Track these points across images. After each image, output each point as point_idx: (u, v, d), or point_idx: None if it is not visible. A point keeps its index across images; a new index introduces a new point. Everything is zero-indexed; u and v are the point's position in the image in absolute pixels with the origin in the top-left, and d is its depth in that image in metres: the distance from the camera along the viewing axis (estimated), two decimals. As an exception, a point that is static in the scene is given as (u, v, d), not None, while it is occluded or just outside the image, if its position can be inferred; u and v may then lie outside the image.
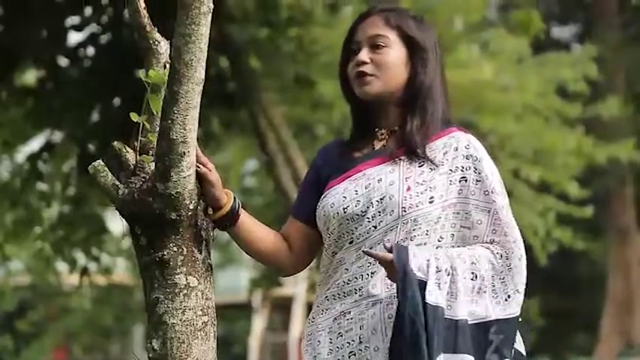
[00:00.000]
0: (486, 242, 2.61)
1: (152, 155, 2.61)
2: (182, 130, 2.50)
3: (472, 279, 2.55)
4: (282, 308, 20.37)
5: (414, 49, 2.71)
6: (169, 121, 2.50)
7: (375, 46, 2.70)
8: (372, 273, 2.62)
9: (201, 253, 2.63)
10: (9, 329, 19.13)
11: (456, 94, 11.62)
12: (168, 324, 2.57)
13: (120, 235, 11.72)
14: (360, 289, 2.63)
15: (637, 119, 16.53)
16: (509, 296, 2.57)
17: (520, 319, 2.62)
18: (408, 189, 2.61)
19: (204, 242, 2.65)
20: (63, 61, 8.32)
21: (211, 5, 2.49)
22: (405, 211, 2.59)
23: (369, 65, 2.69)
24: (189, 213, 2.58)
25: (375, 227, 2.62)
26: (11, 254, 11.94)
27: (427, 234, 2.60)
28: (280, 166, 8.67)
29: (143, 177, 2.61)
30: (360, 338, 2.60)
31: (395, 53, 2.70)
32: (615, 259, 18.00)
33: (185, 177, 2.54)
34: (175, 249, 2.58)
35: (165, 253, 2.58)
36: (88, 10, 7.98)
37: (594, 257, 19.44)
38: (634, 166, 15.86)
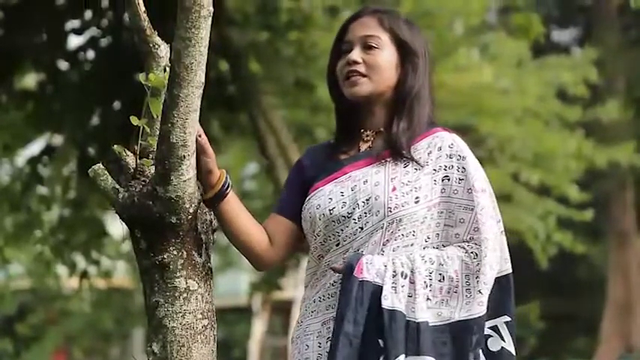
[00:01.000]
0: (465, 240, 2.59)
1: (152, 159, 2.62)
2: (182, 134, 2.50)
3: (440, 280, 2.55)
4: (282, 312, 20.36)
5: (405, 52, 2.72)
6: (169, 125, 2.50)
7: (367, 47, 2.70)
8: None
9: (201, 257, 2.63)
10: (9, 332, 19.11)
11: (456, 97, 11.64)
12: (168, 327, 2.57)
13: (120, 239, 11.72)
14: None
15: (637, 122, 16.52)
16: (474, 297, 2.55)
17: (510, 320, 2.60)
18: (394, 189, 2.61)
19: (204, 246, 2.65)
20: (63, 65, 8.32)
21: (211, 9, 2.49)
22: (390, 211, 2.59)
23: (361, 65, 2.69)
24: (189, 216, 2.58)
25: (362, 228, 2.62)
26: (11, 257, 11.93)
27: (414, 234, 2.60)
28: (280, 170, 8.67)
29: (143, 180, 2.61)
30: None
31: (386, 55, 2.71)
32: (615, 263, 17.98)
33: (185, 180, 2.54)
34: (175, 252, 2.59)
35: (165, 256, 2.58)
36: (88, 14, 7.98)
37: (594, 260, 19.44)
38: (634, 170, 15.85)
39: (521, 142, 12.37)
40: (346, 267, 2.58)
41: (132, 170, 2.63)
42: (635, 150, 13.67)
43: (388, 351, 2.47)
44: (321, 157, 2.79)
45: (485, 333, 2.59)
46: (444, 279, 2.55)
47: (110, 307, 17.06)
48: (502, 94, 12.16)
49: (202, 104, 2.54)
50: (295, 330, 2.73)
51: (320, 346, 2.64)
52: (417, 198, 2.61)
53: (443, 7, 10.11)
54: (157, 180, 2.55)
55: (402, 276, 2.54)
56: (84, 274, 9.29)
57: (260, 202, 13.86)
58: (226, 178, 2.64)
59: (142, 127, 2.63)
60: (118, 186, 2.62)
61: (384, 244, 2.60)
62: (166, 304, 2.57)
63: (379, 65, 2.69)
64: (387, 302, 2.51)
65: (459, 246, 2.59)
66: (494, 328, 2.60)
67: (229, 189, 2.65)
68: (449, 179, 2.63)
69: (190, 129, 2.51)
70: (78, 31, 8.02)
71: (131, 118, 2.62)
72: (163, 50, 2.66)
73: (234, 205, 2.68)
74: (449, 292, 2.54)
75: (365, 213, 2.62)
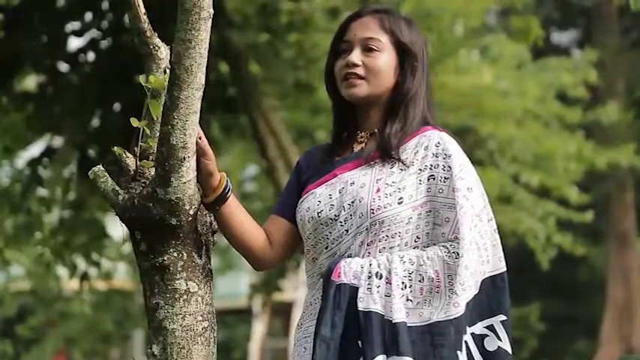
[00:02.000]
0: (450, 240, 2.57)
1: (152, 160, 2.62)
2: (182, 136, 2.51)
3: (420, 280, 2.54)
4: (282, 314, 20.34)
5: (404, 55, 2.71)
6: (169, 127, 2.50)
7: (367, 49, 2.69)
8: None
9: (201, 259, 2.63)
10: (9, 334, 19.11)
11: (457, 99, 11.66)
12: (169, 329, 2.57)
13: (120, 241, 11.70)
14: None
15: (637, 124, 16.52)
16: (450, 298, 2.53)
17: (506, 319, 2.59)
18: (378, 191, 2.61)
19: (204, 247, 2.65)
20: (63, 67, 8.32)
21: (211, 11, 2.49)
22: (373, 213, 2.59)
23: (360, 68, 2.68)
24: (190, 218, 2.58)
25: (347, 231, 2.62)
26: (12, 259, 11.94)
27: (399, 235, 2.59)
28: (280, 172, 8.66)
29: (143, 182, 2.61)
30: None
31: (386, 58, 2.70)
32: (616, 264, 17.98)
33: (185, 182, 2.54)
34: (175, 254, 2.59)
35: (165, 258, 2.58)
36: (88, 16, 7.97)
37: (595, 262, 19.43)
38: (634, 172, 15.87)
39: (521, 144, 12.38)
40: (326, 271, 2.59)
41: (132, 172, 2.63)
42: (635, 152, 13.68)
43: (365, 352, 2.48)
44: (317, 158, 2.78)
45: (482, 332, 2.58)
46: (423, 279, 2.54)
47: (110, 309, 17.05)
48: (502, 95, 12.18)
49: (202, 106, 2.54)
50: (296, 332, 2.74)
51: None
52: (400, 199, 2.59)
53: (444, 7, 10.10)
54: (157, 182, 2.55)
55: (376, 276, 2.54)
56: (84, 276, 9.29)
57: (260, 204, 13.87)
58: (227, 181, 2.64)
59: (142, 129, 2.63)
60: (118, 188, 2.62)
61: (368, 246, 2.59)
62: (166, 306, 2.57)
63: (378, 68, 2.69)
64: (362, 304, 2.52)
65: (442, 246, 2.57)
66: (490, 328, 2.59)
67: (230, 192, 2.65)
68: (434, 178, 2.62)
69: (190, 131, 2.51)
70: (78, 33, 8.01)
71: (131, 119, 2.62)
72: (163, 52, 2.66)
73: (234, 209, 2.68)
74: (430, 293, 2.53)
75: (350, 215, 2.62)
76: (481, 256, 2.59)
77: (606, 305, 18.01)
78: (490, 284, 2.60)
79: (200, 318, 2.59)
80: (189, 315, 2.57)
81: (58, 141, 8.83)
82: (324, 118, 10.73)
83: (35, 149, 9.23)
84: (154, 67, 2.65)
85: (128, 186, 2.61)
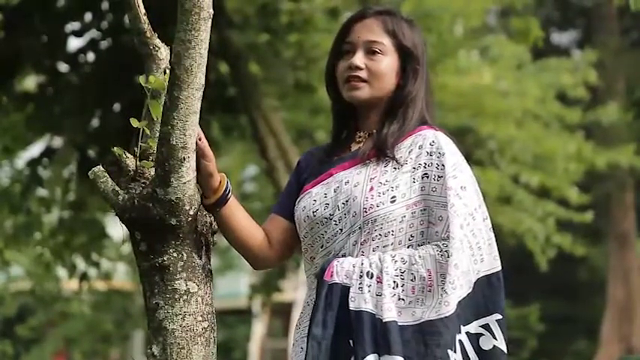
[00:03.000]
0: (443, 239, 2.57)
1: (152, 161, 2.62)
2: (182, 136, 2.51)
3: (412, 279, 2.54)
4: (282, 314, 20.34)
5: (406, 58, 2.71)
6: (169, 127, 2.50)
7: (370, 52, 2.70)
8: None
9: (201, 259, 2.63)
10: (9, 334, 19.12)
11: (456, 99, 11.67)
12: (168, 330, 2.57)
13: (120, 241, 11.71)
14: None
15: (637, 125, 16.53)
16: (441, 297, 2.53)
17: (502, 317, 2.59)
18: (371, 189, 2.61)
19: (204, 248, 2.65)
20: (63, 67, 8.32)
21: (211, 11, 2.49)
22: (366, 211, 2.59)
23: (363, 71, 2.69)
24: (189, 219, 2.58)
25: (341, 230, 2.63)
26: (11, 260, 11.93)
27: (392, 234, 2.59)
28: (280, 172, 8.67)
29: (143, 182, 2.61)
30: None
31: (389, 61, 2.70)
32: (615, 265, 17.98)
33: (185, 182, 2.54)
34: (175, 254, 2.59)
35: (165, 258, 2.58)
36: (88, 16, 7.97)
37: (595, 263, 19.43)
38: (634, 172, 15.86)
39: (521, 144, 12.38)
40: (319, 271, 2.60)
41: (132, 172, 2.63)
42: (635, 152, 13.68)
43: (356, 352, 2.49)
44: (316, 158, 2.79)
45: (477, 331, 2.57)
46: (415, 278, 2.54)
47: (110, 310, 17.05)
48: (502, 96, 12.18)
49: (202, 106, 2.54)
50: (295, 332, 2.74)
51: None
52: (393, 197, 2.60)
53: (444, 7, 10.11)
54: (157, 182, 2.55)
55: (368, 276, 2.54)
56: (84, 276, 9.29)
57: (260, 204, 13.86)
58: (227, 183, 2.65)
59: (142, 129, 2.63)
60: (117, 188, 2.62)
61: (362, 245, 2.60)
62: (166, 307, 2.57)
63: (381, 72, 2.69)
64: (353, 304, 2.53)
65: (435, 244, 2.57)
66: (486, 327, 2.58)
67: (230, 193, 2.66)
68: (428, 177, 2.61)
69: (190, 131, 2.51)
70: (78, 34, 8.01)
71: (131, 120, 2.62)
72: (163, 52, 2.66)
73: (234, 210, 2.68)
74: (422, 292, 2.53)
75: (344, 214, 2.62)
76: (474, 255, 2.58)
77: (606, 306, 18.00)
78: (485, 283, 2.59)
79: (200, 318, 2.59)
80: (189, 315, 2.57)
81: (57, 141, 8.83)
82: (324, 118, 10.73)
83: (35, 149, 9.23)
84: (154, 67, 2.65)
85: (128, 186, 2.61)
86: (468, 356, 2.55)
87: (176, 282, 2.58)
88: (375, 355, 2.48)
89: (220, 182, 2.63)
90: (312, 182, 2.72)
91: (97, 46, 8.11)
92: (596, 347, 18.17)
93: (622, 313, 17.67)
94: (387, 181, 2.62)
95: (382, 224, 2.59)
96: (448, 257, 2.52)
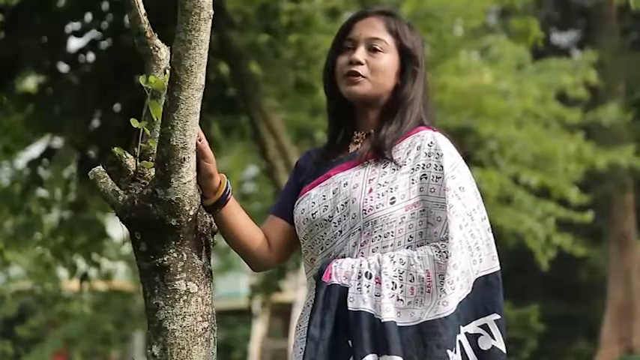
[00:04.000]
0: (442, 239, 2.57)
1: (152, 161, 2.62)
2: (182, 136, 2.51)
3: (410, 280, 2.54)
4: (282, 314, 20.34)
5: (406, 59, 2.72)
6: (170, 127, 2.50)
7: (371, 49, 2.70)
8: None
9: (201, 259, 2.63)
10: (9, 335, 19.12)
11: (456, 99, 11.67)
12: (169, 330, 2.57)
13: (120, 241, 11.72)
14: None
15: (637, 125, 16.53)
16: (440, 297, 2.53)
17: (500, 317, 2.59)
18: (370, 191, 2.62)
19: (204, 248, 2.65)
20: (63, 67, 8.32)
21: (211, 11, 2.49)
22: (365, 213, 2.59)
23: (364, 67, 2.69)
24: (190, 219, 2.58)
25: (341, 232, 2.63)
26: (12, 260, 11.93)
27: (392, 235, 2.59)
28: (280, 172, 8.67)
29: (143, 183, 2.61)
30: None
31: (389, 60, 2.71)
32: (616, 265, 17.98)
33: (185, 183, 2.54)
34: (175, 255, 2.58)
35: (165, 259, 2.58)
36: (88, 16, 7.97)
37: (595, 263, 19.42)
38: (634, 172, 15.86)
39: (521, 145, 12.39)
40: (318, 272, 2.61)
41: (132, 173, 2.63)
42: (635, 152, 13.69)
43: (355, 352, 2.49)
44: (315, 159, 2.79)
45: (476, 332, 2.58)
46: (414, 279, 2.54)
47: (110, 310, 17.05)
48: (502, 96, 12.18)
49: (202, 107, 2.54)
50: (295, 334, 2.74)
51: None
52: (392, 198, 2.60)
53: (444, 8, 10.11)
54: (157, 182, 2.55)
55: (366, 276, 2.54)
56: (84, 277, 9.29)
57: (260, 205, 13.87)
58: (227, 183, 2.65)
59: (142, 130, 2.63)
60: (118, 188, 2.61)
61: (362, 246, 2.60)
62: (166, 307, 2.57)
63: (381, 69, 2.70)
64: (352, 304, 2.53)
65: (434, 245, 2.57)
66: (484, 327, 2.58)
67: (230, 194, 2.66)
68: (426, 177, 2.62)
69: (190, 131, 2.51)
70: (78, 34, 8.01)
71: (131, 120, 2.62)
72: (163, 53, 2.66)
73: (233, 210, 2.68)
74: (421, 292, 2.53)
75: (344, 216, 2.63)
76: (472, 255, 2.58)
77: (606, 306, 18.00)
78: (484, 283, 2.60)
79: (200, 318, 2.59)
80: (189, 315, 2.57)
81: (57, 141, 8.84)
82: (324, 118, 10.72)
83: (35, 150, 9.24)
84: (154, 67, 2.65)
85: (128, 187, 2.61)
86: (466, 356, 2.55)
87: (176, 282, 2.58)
88: (374, 355, 2.48)
89: (220, 183, 2.64)
90: (310, 184, 2.72)
91: (97, 47, 8.11)
92: (596, 347, 18.18)
93: (622, 314, 17.67)
94: (385, 182, 2.62)
95: (382, 225, 2.59)
96: (447, 258, 2.53)
